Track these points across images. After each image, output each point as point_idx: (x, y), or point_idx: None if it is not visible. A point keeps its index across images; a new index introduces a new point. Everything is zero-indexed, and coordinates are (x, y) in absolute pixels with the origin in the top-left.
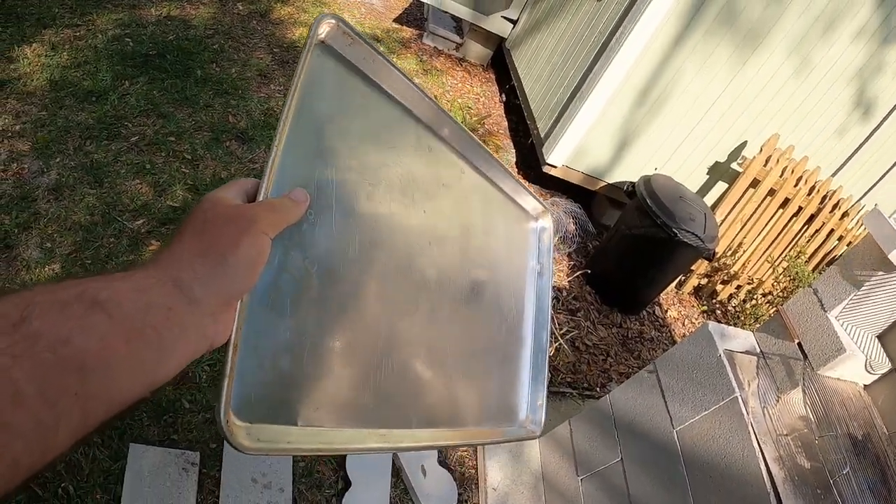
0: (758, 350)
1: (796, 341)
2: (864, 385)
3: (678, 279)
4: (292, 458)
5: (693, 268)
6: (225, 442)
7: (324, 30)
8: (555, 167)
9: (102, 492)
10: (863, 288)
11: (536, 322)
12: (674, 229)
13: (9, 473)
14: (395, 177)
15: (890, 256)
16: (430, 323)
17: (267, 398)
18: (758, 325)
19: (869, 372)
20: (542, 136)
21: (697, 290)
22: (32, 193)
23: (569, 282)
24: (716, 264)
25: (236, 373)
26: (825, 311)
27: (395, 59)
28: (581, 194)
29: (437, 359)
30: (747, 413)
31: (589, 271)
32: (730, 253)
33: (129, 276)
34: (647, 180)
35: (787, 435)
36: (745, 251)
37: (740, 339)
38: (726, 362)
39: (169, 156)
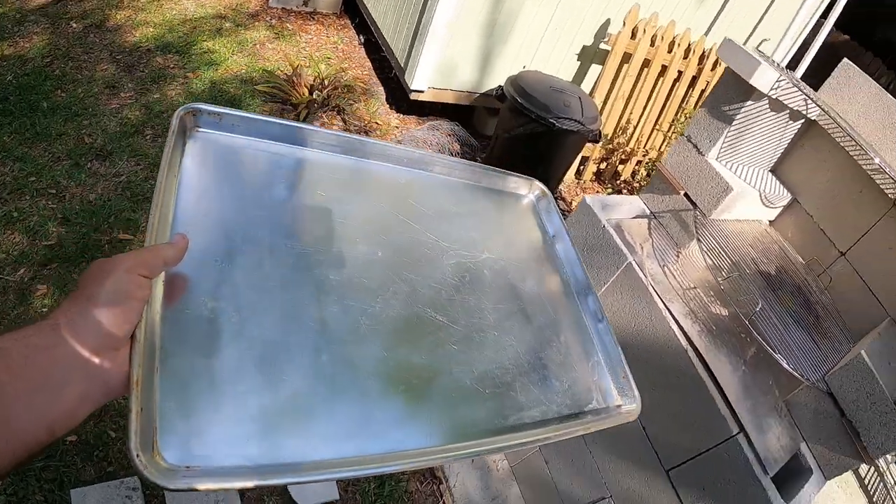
0: (647, 212)
1: (682, 192)
2: (770, 221)
3: (574, 168)
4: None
5: (587, 154)
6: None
7: (183, 123)
8: (422, 92)
9: None
10: (734, 122)
11: (576, 291)
12: (551, 119)
13: None
14: (316, 213)
15: (751, 81)
16: (439, 340)
17: (192, 433)
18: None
19: (768, 206)
20: (403, 64)
21: (599, 175)
22: None
23: None
24: (610, 145)
25: (157, 410)
26: (702, 155)
27: (245, 33)
28: (462, 112)
29: (453, 363)
30: (645, 276)
31: None
32: (620, 132)
33: (16, 330)
34: (514, 79)
35: (694, 288)
36: (635, 127)
37: (626, 205)
38: (612, 231)
39: (34, 196)
